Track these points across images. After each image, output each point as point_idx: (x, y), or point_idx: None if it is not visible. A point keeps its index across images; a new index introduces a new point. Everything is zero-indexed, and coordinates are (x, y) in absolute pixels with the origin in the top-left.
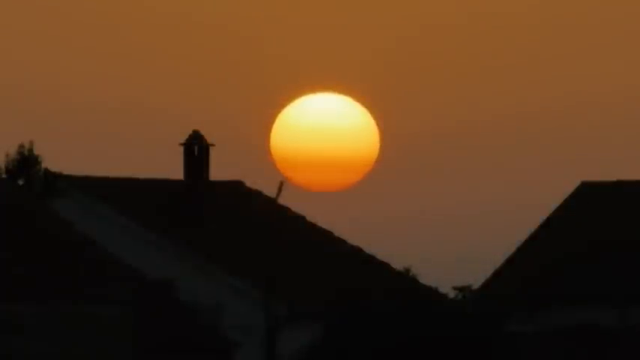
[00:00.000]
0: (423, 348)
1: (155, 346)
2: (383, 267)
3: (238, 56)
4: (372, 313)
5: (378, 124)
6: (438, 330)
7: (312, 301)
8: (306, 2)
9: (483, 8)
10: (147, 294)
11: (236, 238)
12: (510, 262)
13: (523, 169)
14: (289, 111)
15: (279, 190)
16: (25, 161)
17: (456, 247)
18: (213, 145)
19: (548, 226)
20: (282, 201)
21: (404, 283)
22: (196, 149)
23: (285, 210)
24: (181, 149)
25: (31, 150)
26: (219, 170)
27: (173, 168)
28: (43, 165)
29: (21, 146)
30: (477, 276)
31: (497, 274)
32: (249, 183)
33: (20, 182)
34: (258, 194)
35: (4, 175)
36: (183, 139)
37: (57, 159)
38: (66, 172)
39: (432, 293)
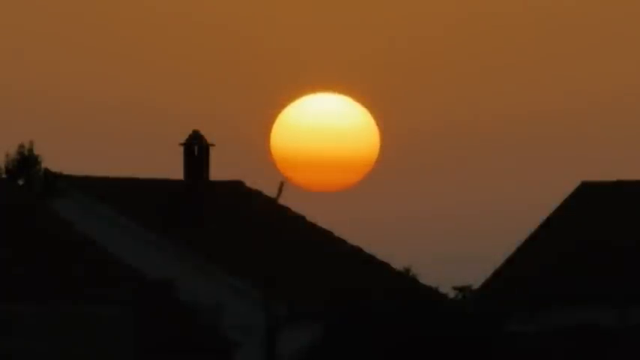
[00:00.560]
0: (423, 348)
1: (155, 346)
2: (383, 267)
3: (238, 56)
4: (372, 313)
5: (378, 124)
6: (438, 330)
7: (312, 301)
8: (306, 2)
9: (483, 8)
10: (147, 294)
11: (236, 238)
12: (510, 262)
13: (523, 169)
14: (289, 111)
15: (280, 190)
16: (25, 161)
17: (456, 247)
18: (213, 145)
19: (548, 226)
20: (282, 201)
21: (404, 283)
22: (196, 149)
23: (285, 210)
24: (181, 149)
25: (31, 150)
26: (219, 170)
27: (173, 168)
28: (43, 165)
29: (21, 146)
30: (476, 276)
31: (497, 274)
32: (249, 183)
33: (20, 182)
34: (258, 194)
35: (4, 175)
36: (183, 139)
37: (57, 159)
38: (66, 172)
39: (432, 293)
